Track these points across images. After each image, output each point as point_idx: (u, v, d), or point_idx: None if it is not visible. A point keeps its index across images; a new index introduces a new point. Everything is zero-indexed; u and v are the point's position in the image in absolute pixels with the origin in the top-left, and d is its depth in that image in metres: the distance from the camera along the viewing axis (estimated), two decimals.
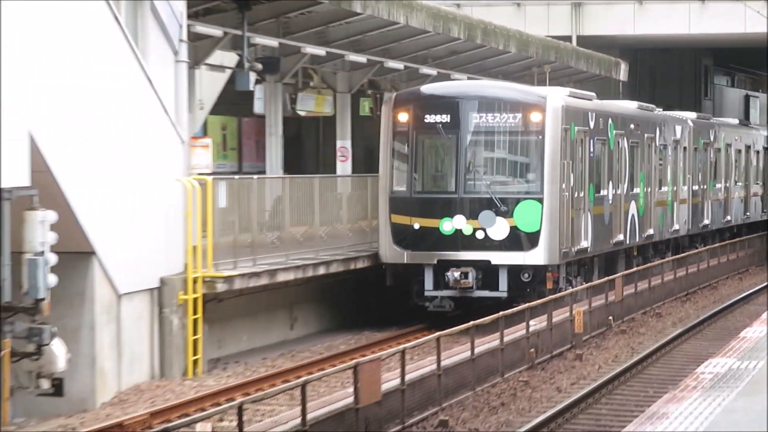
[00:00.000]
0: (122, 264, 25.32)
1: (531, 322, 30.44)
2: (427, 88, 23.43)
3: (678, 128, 36.67)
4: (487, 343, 27.57)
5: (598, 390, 25.49)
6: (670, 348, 33.13)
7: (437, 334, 25.16)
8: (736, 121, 47.07)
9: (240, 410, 15.51)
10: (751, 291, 44.92)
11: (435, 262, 22.01)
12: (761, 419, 12.81)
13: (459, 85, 24.09)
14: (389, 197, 23.40)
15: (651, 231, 32.56)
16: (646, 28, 51.68)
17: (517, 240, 21.41)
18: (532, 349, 29.43)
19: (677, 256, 44.40)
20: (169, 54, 29.30)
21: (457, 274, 22.22)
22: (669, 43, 55.28)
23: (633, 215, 29.15)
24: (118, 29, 26.18)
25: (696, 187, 39.80)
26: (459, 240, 21.81)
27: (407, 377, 21.72)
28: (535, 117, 22.40)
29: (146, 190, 27.02)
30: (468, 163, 21.98)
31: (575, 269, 24.89)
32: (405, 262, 25.40)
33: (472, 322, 26.26)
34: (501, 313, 27.92)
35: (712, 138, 41.19)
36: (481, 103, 22.43)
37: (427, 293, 23.06)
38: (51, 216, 20.82)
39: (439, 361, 23.52)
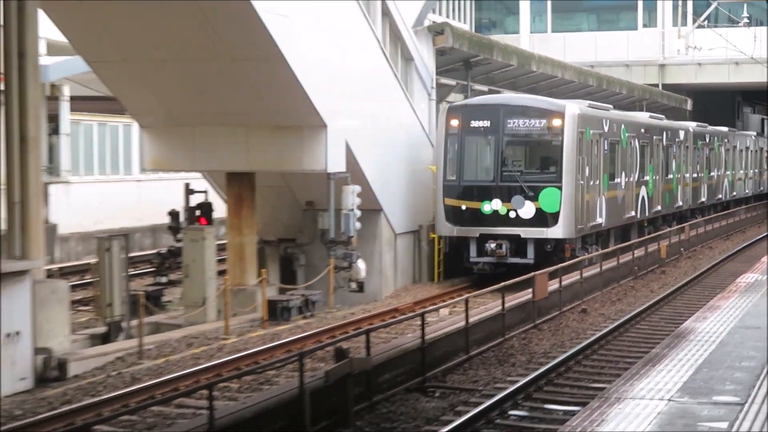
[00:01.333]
0: (398, 216, 33.10)
1: (636, 252, 36.23)
2: (472, 101, 28.62)
3: (682, 132, 42.48)
4: (608, 264, 32.26)
5: (676, 291, 30.19)
6: (717, 267, 37.56)
7: (583, 257, 31.27)
8: (726, 129, 54.17)
9: (467, 303, 21.20)
10: (758, 237, 49.14)
11: (477, 235, 26.14)
12: None
13: (497, 97, 29.61)
14: (443, 185, 27.76)
15: (659, 207, 37.74)
16: (703, 78, 62.37)
17: (542, 218, 25.40)
18: (636, 267, 35.11)
19: (719, 214, 52.99)
20: (425, 95, 37.00)
21: (494, 245, 26.22)
22: (716, 87, 66.49)
23: (643, 197, 34.93)
24: (396, 81, 33.60)
25: (695, 175, 44.90)
26: (496, 218, 25.53)
27: (564, 283, 26.88)
28: (556, 122, 26.52)
29: (411, 174, 34.37)
30: (503, 158, 26.06)
31: (593, 239, 30.25)
32: (455, 235, 29.45)
33: (595, 253, 33.49)
34: (615, 246, 35.44)
35: (707, 140, 47.23)
36: (515, 111, 26.60)
37: (471, 259, 27.27)
38: (357, 188, 28.79)
39: (581, 274, 29.06)
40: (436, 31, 37.28)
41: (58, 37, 26.06)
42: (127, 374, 18.14)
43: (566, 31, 69.82)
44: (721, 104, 66.81)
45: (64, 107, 35.55)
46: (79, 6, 23.28)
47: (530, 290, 24.09)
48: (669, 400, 10.26)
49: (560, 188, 23.95)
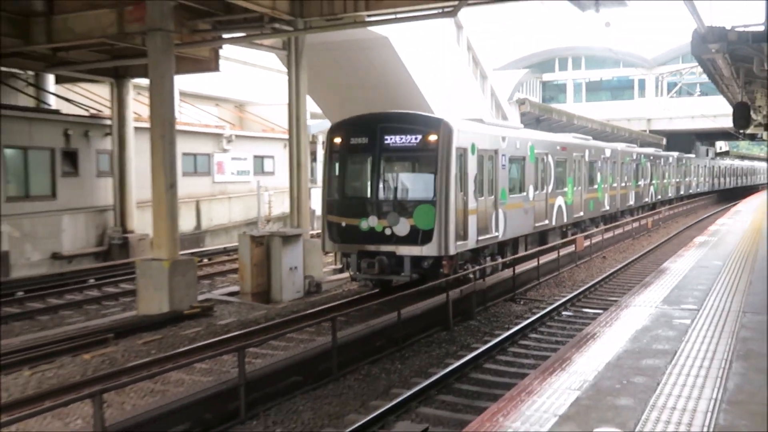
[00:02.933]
0: None
1: (632, 224, 34.14)
2: (352, 118, 19.50)
3: (608, 150, 31.30)
4: (618, 230, 30.09)
5: (657, 246, 27.52)
6: (677, 234, 32.27)
7: (605, 227, 28.26)
8: (653, 150, 44.07)
9: (538, 253, 20.21)
10: (697, 219, 41.75)
11: (357, 252, 17.00)
12: (718, 258, 15.29)
13: (375, 114, 19.38)
14: (326, 201, 17.87)
15: (581, 213, 26.61)
16: (672, 126, 59.63)
17: (416, 235, 16.23)
18: (633, 233, 31.36)
19: (652, 211, 40.57)
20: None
21: (366, 264, 16.79)
22: (681, 131, 62.54)
23: (560, 206, 23.73)
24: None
25: (624, 183, 33.96)
26: (373, 235, 16.41)
27: (593, 240, 25.38)
28: (431, 138, 17.01)
29: None
30: (380, 174, 17.02)
31: (493, 249, 19.28)
32: (337, 251, 18.97)
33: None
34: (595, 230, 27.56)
35: (635, 157, 36.39)
36: (391, 126, 17.25)
37: (352, 275, 17.75)
38: None
39: (603, 235, 26.90)
40: (520, 102, 37.76)
41: (315, 108, 26.90)
42: (352, 290, 18.66)
43: (593, 101, 70.39)
44: (684, 141, 64.75)
45: (318, 148, 36.31)
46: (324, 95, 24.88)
47: (573, 246, 23.28)
48: (655, 307, 10.17)
49: (434, 204, 15.81)
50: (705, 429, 5.36)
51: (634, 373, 6.79)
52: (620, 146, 34.01)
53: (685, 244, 20.66)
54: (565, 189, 24.80)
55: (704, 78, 36.16)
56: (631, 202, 35.78)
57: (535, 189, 21.66)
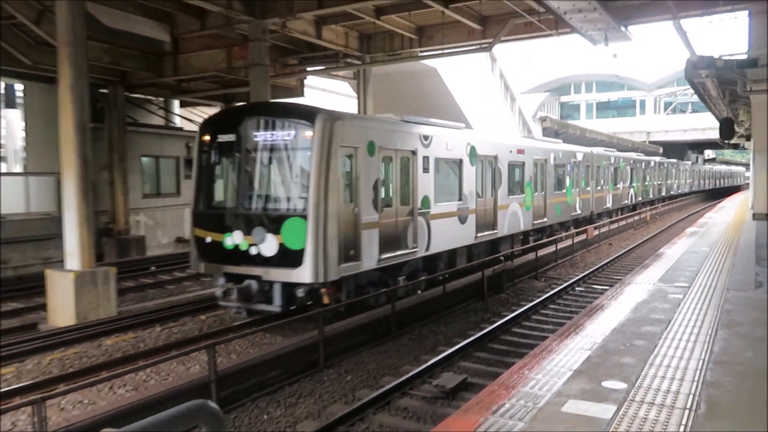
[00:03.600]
0: None
1: (627, 220, 31.85)
2: (222, 110, 14.89)
3: (580, 155, 23.95)
4: (622, 222, 28.78)
5: (654, 235, 25.81)
6: (672, 226, 30.27)
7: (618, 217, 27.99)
8: (634, 154, 35.63)
9: (557, 242, 20.41)
10: (689, 214, 38.40)
11: (222, 274, 10.93)
12: (706, 245, 14.65)
13: (245, 105, 14.65)
14: (193, 212, 11.43)
15: (544, 219, 20.19)
16: (669, 137, 58.05)
17: (286, 256, 10.18)
18: (635, 224, 29.59)
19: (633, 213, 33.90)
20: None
21: (237, 288, 10.68)
22: (675, 142, 60.01)
23: (515, 212, 17.79)
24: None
25: (599, 187, 26.62)
26: (238, 254, 10.37)
27: (601, 230, 24.32)
28: (306, 133, 10.42)
29: None
30: (245, 179, 10.98)
31: (418, 264, 13.30)
32: (202, 272, 11.48)
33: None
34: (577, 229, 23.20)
35: (612, 161, 28.56)
36: (259, 121, 10.94)
37: (220, 302, 11.17)
38: None
39: (609, 226, 25.71)
40: (542, 119, 36.94)
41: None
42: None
43: (602, 117, 68.79)
44: (678, 150, 62.69)
45: None
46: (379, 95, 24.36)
47: (585, 234, 22.52)
48: (653, 284, 9.85)
49: (306, 218, 9.85)
50: (695, 382, 5.19)
51: (636, 337, 6.60)
52: (596, 150, 27.23)
53: (678, 234, 19.98)
54: (523, 194, 18.52)
55: (695, 98, 34.87)
56: (608, 204, 28.51)
57: (479, 195, 15.59)
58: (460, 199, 14.62)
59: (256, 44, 15.77)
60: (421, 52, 19.76)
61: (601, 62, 61.37)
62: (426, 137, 13.02)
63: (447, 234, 13.88)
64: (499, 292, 14.43)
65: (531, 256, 17.39)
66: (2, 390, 7.70)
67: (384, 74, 23.61)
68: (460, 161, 14.58)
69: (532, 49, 72.22)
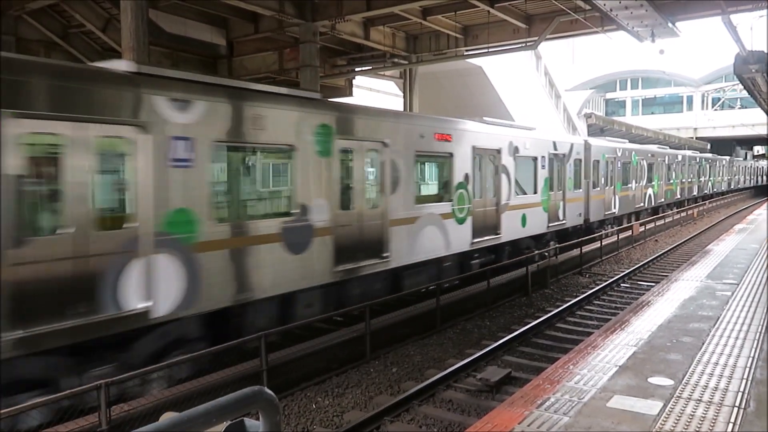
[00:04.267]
0: None
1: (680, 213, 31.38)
2: None
3: (566, 145, 17.59)
4: (668, 219, 27.51)
5: (702, 232, 25.16)
6: (719, 222, 28.92)
7: (655, 216, 26.55)
8: (655, 147, 28.93)
9: (601, 237, 20.51)
10: (737, 210, 36.57)
11: None
12: (755, 242, 14.52)
13: None
14: None
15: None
16: (716, 133, 56.34)
17: None
18: (677, 222, 28.45)
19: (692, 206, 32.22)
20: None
21: None
22: (723, 138, 57.44)
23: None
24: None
25: (599, 189, 19.94)
26: None
27: (647, 227, 23.50)
28: None
29: None
30: None
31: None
32: None
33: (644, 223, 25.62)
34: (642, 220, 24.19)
35: (620, 154, 22.07)
36: None
37: None
38: None
39: (655, 222, 25.14)
40: (587, 116, 36.09)
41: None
42: None
43: (648, 114, 66.85)
44: (728, 147, 60.46)
45: None
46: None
47: (630, 230, 21.93)
48: (700, 281, 9.57)
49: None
50: (744, 380, 5.01)
51: (683, 334, 6.41)
52: (596, 142, 20.29)
53: (726, 231, 19.42)
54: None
55: (744, 94, 33.49)
56: (614, 209, 21.75)
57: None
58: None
59: (306, 46, 15.94)
60: (466, 51, 19.64)
61: (648, 58, 59.63)
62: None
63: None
64: (543, 288, 14.22)
65: (575, 252, 16.98)
66: None
67: (430, 73, 23.55)
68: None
69: (577, 46, 70.87)
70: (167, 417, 1.67)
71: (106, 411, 5.51)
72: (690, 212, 32.04)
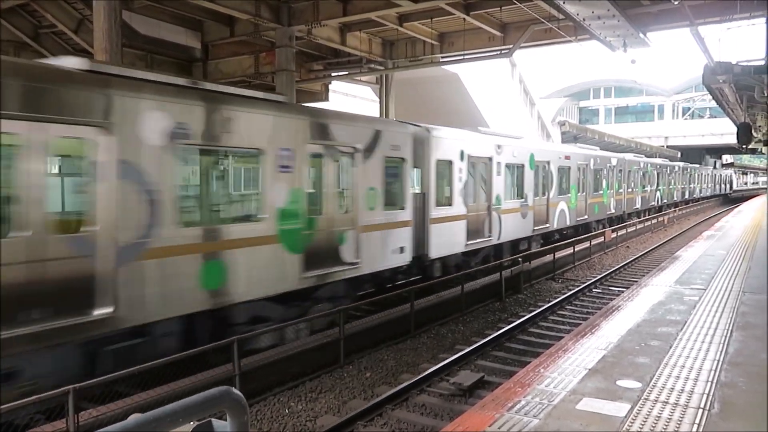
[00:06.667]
0: None
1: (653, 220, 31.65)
2: None
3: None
4: (641, 225, 27.96)
5: (672, 238, 25.09)
6: (689, 230, 29.16)
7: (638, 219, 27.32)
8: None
9: (574, 243, 20.65)
10: (706, 217, 36.78)
11: None
12: (723, 248, 14.55)
13: None
14: None
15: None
16: (687, 142, 57.52)
17: None
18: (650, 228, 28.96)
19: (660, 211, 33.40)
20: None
21: None
22: (693, 146, 58.34)
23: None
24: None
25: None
26: None
27: (619, 233, 23.38)
28: None
29: None
30: None
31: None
32: None
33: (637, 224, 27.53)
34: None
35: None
36: None
37: None
38: None
39: (626, 228, 24.80)
40: (561, 123, 36.72)
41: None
42: None
43: (620, 122, 67.98)
44: (697, 155, 61.75)
45: None
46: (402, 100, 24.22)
47: (602, 237, 22.03)
48: (669, 286, 9.73)
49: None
50: (709, 382, 5.11)
51: (651, 337, 6.53)
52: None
53: (695, 237, 19.72)
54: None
55: (713, 104, 34.25)
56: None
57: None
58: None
59: (282, 50, 15.91)
60: (442, 58, 19.80)
61: (620, 68, 61.15)
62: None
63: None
64: (517, 293, 14.31)
65: (548, 258, 17.14)
66: None
67: (406, 79, 23.66)
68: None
69: (551, 55, 71.95)
70: (134, 418, 1.66)
71: (73, 416, 5.43)
72: (660, 219, 32.48)
